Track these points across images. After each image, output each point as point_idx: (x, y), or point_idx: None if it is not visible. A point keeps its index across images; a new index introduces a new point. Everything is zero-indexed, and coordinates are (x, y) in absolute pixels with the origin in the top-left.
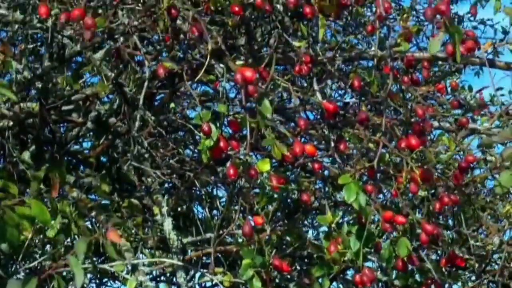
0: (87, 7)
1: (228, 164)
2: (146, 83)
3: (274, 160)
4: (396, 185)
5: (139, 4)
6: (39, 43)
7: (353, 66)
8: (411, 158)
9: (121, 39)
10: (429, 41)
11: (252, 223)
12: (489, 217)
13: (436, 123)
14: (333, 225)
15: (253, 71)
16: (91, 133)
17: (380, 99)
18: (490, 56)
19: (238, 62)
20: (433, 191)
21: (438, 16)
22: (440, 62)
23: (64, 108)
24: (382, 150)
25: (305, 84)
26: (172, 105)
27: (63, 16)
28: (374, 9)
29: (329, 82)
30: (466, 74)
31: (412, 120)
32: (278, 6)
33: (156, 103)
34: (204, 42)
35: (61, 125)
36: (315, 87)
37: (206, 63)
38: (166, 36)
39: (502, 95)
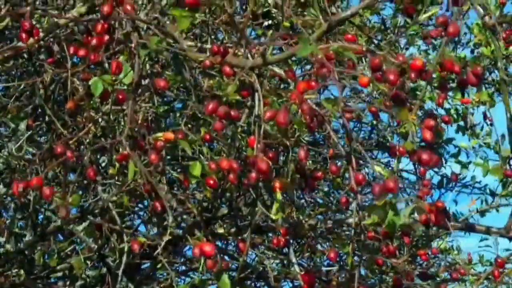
0: (67, 183)
1: None
2: (125, 258)
3: None
4: None
5: (118, 180)
6: (25, 213)
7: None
8: None
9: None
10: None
11: None
12: None
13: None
14: None
15: (212, 246)
16: None
17: (353, 272)
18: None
19: (220, 230)
20: None
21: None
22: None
23: (52, 275)
24: None
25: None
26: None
27: (21, 185)
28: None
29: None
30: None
31: None
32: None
33: (141, 273)
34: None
35: None
36: (293, 259)
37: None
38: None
39: (488, 246)
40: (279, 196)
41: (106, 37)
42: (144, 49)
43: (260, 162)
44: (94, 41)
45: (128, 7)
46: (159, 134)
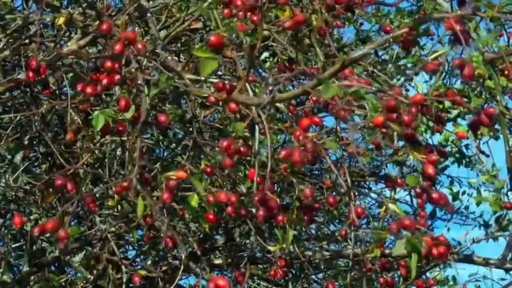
0: (64, 213)
1: None
2: None
3: None
4: None
5: (116, 211)
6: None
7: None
8: None
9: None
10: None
11: None
12: None
13: None
14: None
15: (227, 281)
16: None
17: None
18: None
19: (217, 261)
20: None
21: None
22: None
23: None
24: None
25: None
26: None
27: (37, 229)
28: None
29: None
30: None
31: None
32: (254, 210)
33: None
34: (180, 250)
35: None
36: None
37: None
38: (144, 238)
39: (486, 277)
40: (289, 230)
41: (117, 77)
42: (154, 88)
43: (270, 200)
44: (105, 81)
45: (140, 46)
46: (171, 173)
